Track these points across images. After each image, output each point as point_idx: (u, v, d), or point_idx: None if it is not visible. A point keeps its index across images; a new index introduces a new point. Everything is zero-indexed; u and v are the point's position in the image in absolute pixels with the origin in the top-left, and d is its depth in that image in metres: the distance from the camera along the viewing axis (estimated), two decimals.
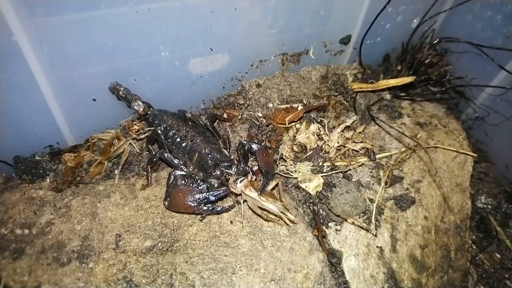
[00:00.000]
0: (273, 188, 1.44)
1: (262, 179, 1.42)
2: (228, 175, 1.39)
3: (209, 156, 1.42)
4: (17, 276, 1.26)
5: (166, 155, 1.49)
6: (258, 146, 1.50)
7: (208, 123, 1.64)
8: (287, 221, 1.34)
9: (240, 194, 1.36)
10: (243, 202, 1.38)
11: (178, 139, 1.51)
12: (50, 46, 1.33)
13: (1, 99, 1.37)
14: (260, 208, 1.34)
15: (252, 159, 1.58)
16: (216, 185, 1.39)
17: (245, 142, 1.51)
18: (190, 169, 1.46)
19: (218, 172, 1.39)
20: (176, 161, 1.50)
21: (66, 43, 1.35)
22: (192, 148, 1.47)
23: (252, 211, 1.38)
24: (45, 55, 1.34)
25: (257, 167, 1.47)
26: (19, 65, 1.32)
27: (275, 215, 1.34)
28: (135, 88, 1.60)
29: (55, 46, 1.34)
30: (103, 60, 1.47)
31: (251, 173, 1.43)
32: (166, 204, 1.37)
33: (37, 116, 1.49)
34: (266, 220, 1.37)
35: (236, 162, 1.47)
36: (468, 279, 1.67)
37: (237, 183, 1.35)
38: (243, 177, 1.37)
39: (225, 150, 1.52)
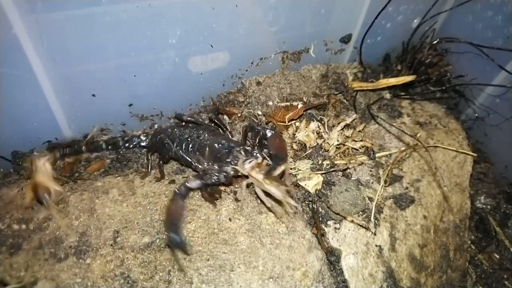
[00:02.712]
0: (282, 175, 1.39)
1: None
2: (238, 158, 1.38)
3: (220, 145, 1.43)
4: (14, 271, 1.25)
5: (179, 153, 1.48)
6: (272, 132, 1.45)
7: (214, 116, 1.64)
8: (288, 207, 1.34)
9: (247, 177, 1.35)
10: (246, 187, 1.37)
11: (184, 143, 1.50)
12: (50, 41, 1.32)
13: (0, 93, 1.36)
14: (265, 193, 1.32)
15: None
16: (232, 172, 1.39)
17: (259, 128, 1.46)
18: (205, 165, 1.45)
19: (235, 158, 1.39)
20: (189, 159, 1.48)
21: (66, 39, 1.35)
22: (201, 144, 1.47)
23: (257, 196, 1.36)
24: (45, 49, 1.33)
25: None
26: (19, 59, 1.31)
27: (277, 201, 1.33)
28: (135, 84, 1.59)
29: (55, 41, 1.33)
30: (103, 56, 1.46)
31: (264, 157, 1.40)
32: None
33: (36, 111, 1.48)
34: (268, 208, 1.36)
35: (248, 146, 1.46)
36: (467, 279, 1.67)
37: (245, 163, 1.35)
38: (253, 158, 1.36)
39: (234, 138, 1.51)
